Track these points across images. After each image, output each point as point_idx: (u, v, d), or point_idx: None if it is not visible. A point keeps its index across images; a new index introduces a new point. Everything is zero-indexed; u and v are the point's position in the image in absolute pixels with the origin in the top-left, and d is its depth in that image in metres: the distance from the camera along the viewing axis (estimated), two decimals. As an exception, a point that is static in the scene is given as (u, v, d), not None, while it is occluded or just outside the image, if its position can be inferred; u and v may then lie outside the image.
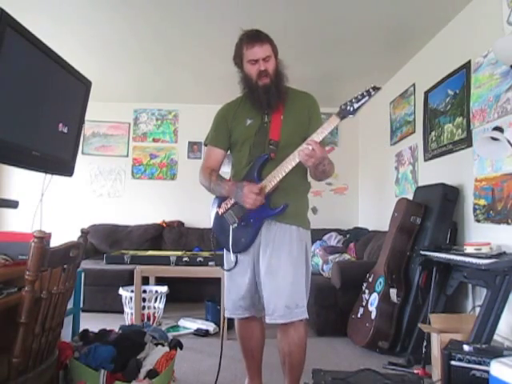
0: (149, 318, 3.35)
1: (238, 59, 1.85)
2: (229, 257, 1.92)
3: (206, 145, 2.03)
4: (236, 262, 1.87)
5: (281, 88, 1.84)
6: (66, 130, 1.83)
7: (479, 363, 1.72)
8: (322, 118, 1.94)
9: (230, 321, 3.18)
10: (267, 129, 1.84)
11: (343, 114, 1.67)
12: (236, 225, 1.83)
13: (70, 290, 1.48)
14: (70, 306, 2.07)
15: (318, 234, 4.51)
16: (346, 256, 3.90)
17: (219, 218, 1.89)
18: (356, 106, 1.65)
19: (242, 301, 1.89)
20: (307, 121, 1.87)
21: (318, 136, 1.67)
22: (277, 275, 1.78)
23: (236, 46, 1.86)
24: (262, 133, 1.85)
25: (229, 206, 1.85)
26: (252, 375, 2.05)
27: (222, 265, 1.99)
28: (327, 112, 2.11)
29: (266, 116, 1.86)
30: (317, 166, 1.71)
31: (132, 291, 3.35)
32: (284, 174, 1.72)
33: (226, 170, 2.00)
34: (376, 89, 1.65)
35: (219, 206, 1.89)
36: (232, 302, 1.93)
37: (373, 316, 2.90)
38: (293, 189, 1.83)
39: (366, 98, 1.66)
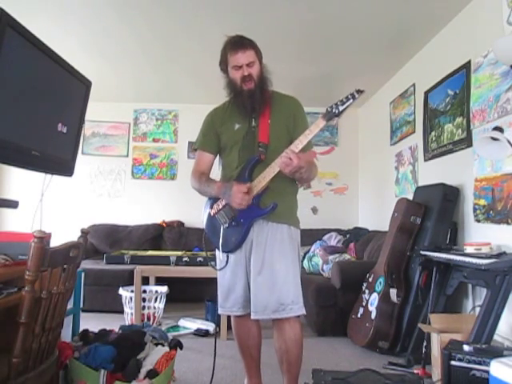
0: (149, 318, 3.35)
1: (224, 65, 1.90)
2: (220, 256, 1.96)
3: (195, 149, 2.09)
4: (227, 262, 1.91)
5: (265, 92, 1.89)
6: (65, 130, 1.83)
7: (479, 363, 1.72)
8: (307, 119, 1.99)
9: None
10: (255, 132, 1.90)
11: (329, 116, 1.74)
12: (227, 225, 1.88)
13: (70, 290, 1.48)
14: (70, 306, 2.07)
15: (317, 234, 4.51)
16: (346, 256, 3.89)
17: (211, 219, 1.94)
18: (341, 108, 1.73)
19: (238, 298, 1.91)
20: (292, 124, 1.92)
21: (306, 137, 1.74)
22: (270, 272, 1.81)
23: (221, 52, 1.91)
24: (250, 136, 1.90)
25: (220, 206, 1.89)
26: (251, 374, 2.06)
27: (214, 264, 2.02)
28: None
29: (253, 120, 1.91)
30: (293, 174, 1.75)
31: (132, 291, 3.35)
32: (272, 176, 1.78)
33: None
34: (360, 92, 1.71)
35: (211, 207, 1.94)
36: (226, 299, 1.95)
37: (373, 316, 2.90)
38: (282, 190, 1.88)
39: (351, 100, 1.73)
